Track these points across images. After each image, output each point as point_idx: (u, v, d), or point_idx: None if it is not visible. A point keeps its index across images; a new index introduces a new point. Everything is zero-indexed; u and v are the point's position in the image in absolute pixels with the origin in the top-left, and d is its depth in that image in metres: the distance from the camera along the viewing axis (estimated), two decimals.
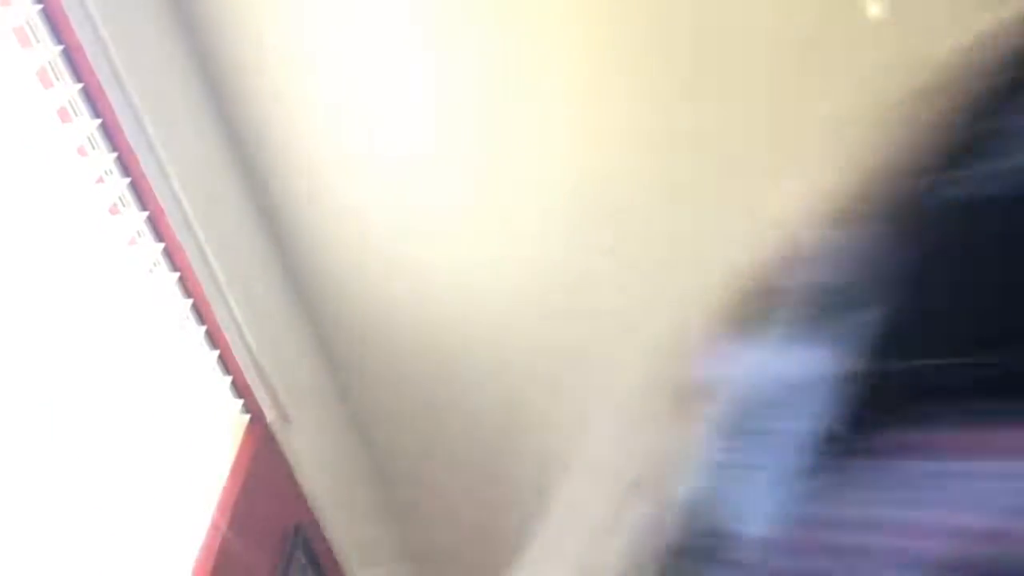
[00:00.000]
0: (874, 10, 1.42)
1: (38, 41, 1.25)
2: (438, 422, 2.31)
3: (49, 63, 1.26)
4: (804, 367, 0.36)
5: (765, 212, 1.81)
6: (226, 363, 1.62)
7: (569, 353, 2.14)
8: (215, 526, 1.43)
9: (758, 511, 0.35)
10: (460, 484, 2.50)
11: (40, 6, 1.23)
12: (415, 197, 1.83)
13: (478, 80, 1.66)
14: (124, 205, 1.41)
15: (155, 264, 1.48)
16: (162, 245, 1.47)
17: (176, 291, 1.51)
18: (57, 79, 1.28)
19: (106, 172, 1.37)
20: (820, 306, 0.38)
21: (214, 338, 1.59)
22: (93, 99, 1.32)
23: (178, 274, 1.50)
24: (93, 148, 1.35)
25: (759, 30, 1.60)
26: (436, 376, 2.19)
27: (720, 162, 1.78)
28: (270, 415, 1.69)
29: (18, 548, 1.03)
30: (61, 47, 1.27)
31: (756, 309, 0.43)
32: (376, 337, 2.09)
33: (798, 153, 1.77)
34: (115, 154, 1.37)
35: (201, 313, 1.56)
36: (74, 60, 1.29)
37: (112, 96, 1.32)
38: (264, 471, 1.65)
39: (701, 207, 1.85)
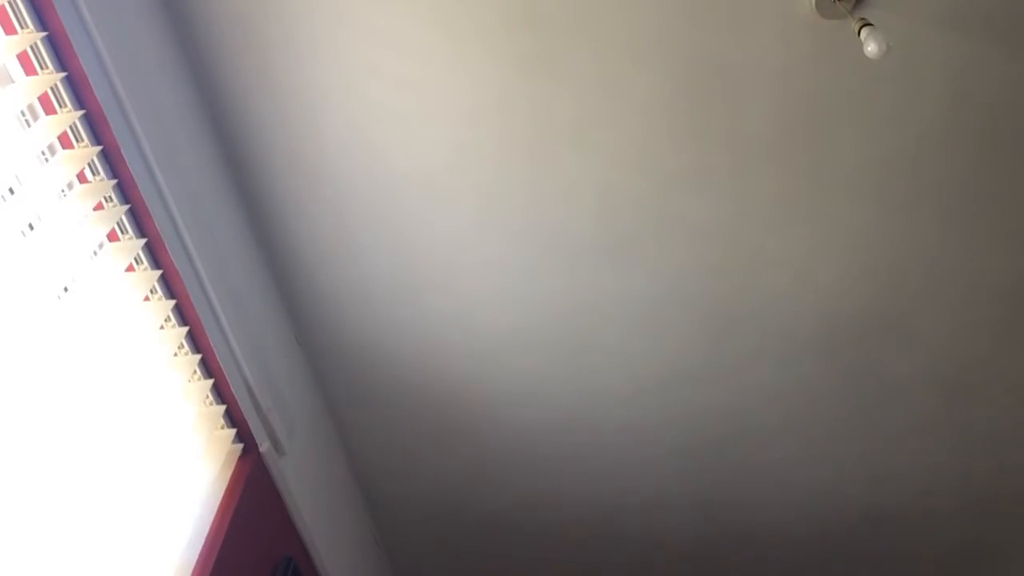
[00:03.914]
0: (871, 48, 1.44)
1: (43, 67, 1.25)
2: (433, 456, 2.29)
3: (51, 88, 1.26)
4: None
5: (771, 249, 1.82)
6: (220, 392, 1.61)
7: (570, 386, 2.14)
8: (205, 555, 1.41)
9: None
10: (453, 518, 2.48)
11: (45, 32, 1.24)
12: (415, 229, 1.83)
13: (485, 111, 1.67)
14: (123, 232, 1.40)
15: (152, 291, 1.47)
16: (160, 272, 1.46)
17: (173, 318, 1.50)
18: (60, 106, 1.28)
19: (106, 198, 1.36)
20: None
21: (209, 366, 1.58)
22: (95, 125, 1.32)
23: (175, 301, 1.49)
24: (94, 174, 1.34)
25: (765, 71, 1.62)
26: (431, 410, 2.18)
27: (725, 198, 1.79)
28: (263, 445, 1.68)
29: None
30: (64, 73, 1.27)
31: None
32: (372, 370, 2.08)
33: (806, 194, 1.79)
34: (115, 180, 1.36)
35: (197, 341, 1.55)
36: (77, 85, 1.29)
37: (113, 122, 1.32)
38: (256, 501, 1.63)
39: (705, 243, 1.86)
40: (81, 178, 1.34)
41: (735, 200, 1.79)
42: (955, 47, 1.60)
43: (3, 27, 1.20)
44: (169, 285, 1.48)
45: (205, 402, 1.60)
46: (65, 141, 1.31)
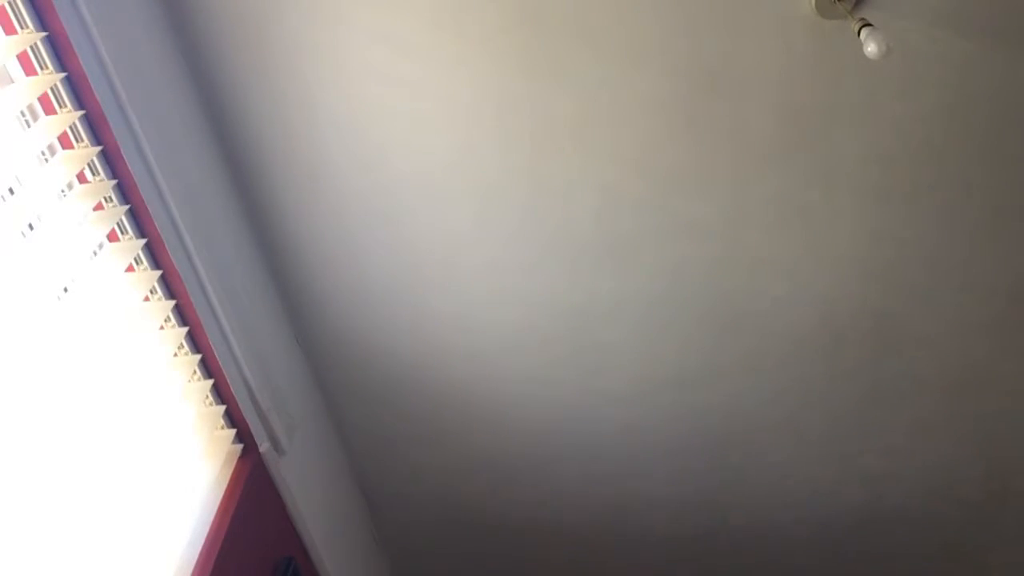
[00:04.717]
0: (871, 49, 1.44)
1: (43, 68, 1.25)
2: (433, 457, 2.29)
3: (51, 88, 1.26)
4: None
5: (771, 249, 1.81)
6: (220, 392, 1.61)
7: (570, 387, 2.14)
8: (205, 555, 1.41)
9: None
10: (453, 518, 2.48)
11: (45, 32, 1.24)
12: (415, 229, 1.83)
13: (484, 111, 1.67)
14: (123, 232, 1.40)
15: (152, 291, 1.47)
16: (160, 272, 1.46)
17: (173, 318, 1.50)
18: (60, 106, 1.28)
19: (106, 199, 1.36)
20: None
21: (209, 366, 1.58)
22: (95, 125, 1.32)
23: (175, 301, 1.49)
24: (94, 174, 1.34)
25: (765, 71, 1.62)
26: (431, 411, 2.18)
27: (725, 198, 1.79)
28: (263, 445, 1.68)
29: None
30: (64, 73, 1.27)
31: None
32: (372, 370, 2.08)
33: (805, 194, 1.79)
34: (115, 181, 1.36)
35: (197, 341, 1.55)
36: (77, 85, 1.29)
37: (113, 122, 1.32)
38: (256, 502, 1.63)
39: (704, 242, 1.86)
40: (81, 178, 1.34)
41: (735, 200, 1.79)
42: (955, 47, 1.60)
43: (3, 27, 1.20)
44: (169, 285, 1.48)
45: (205, 402, 1.60)
46: (65, 141, 1.31)
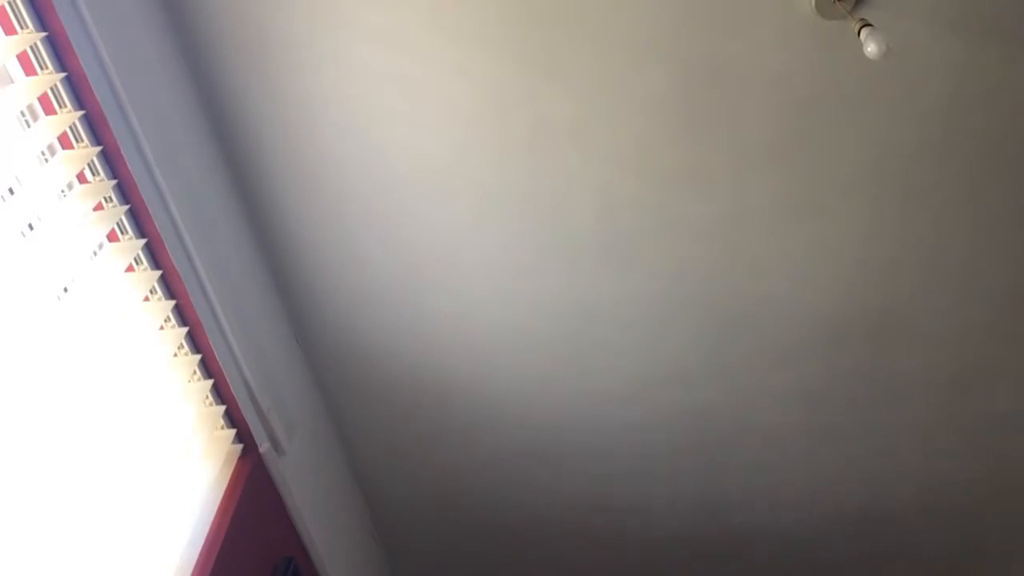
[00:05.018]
0: (871, 49, 1.44)
1: (43, 68, 1.25)
2: (433, 456, 2.29)
3: (51, 88, 1.26)
4: None
5: (770, 249, 1.82)
6: (220, 392, 1.61)
7: (570, 387, 2.14)
8: (205, 555, 1.41)
9: None
10: (453, 518, 2.48)
11: (45, 32, 1.24)
12: (415, 229, 1.83)
13: (484, 111, 1.67)
14: (123, 232, 1.40)
15: (152, 291, 1.47)
16: (160, 272, 1.46)
17: (173, 319, 1.50)
18: (60, 106, 1.28)
19: (105, 199, 1.36)
20: None
21: (209, 367, 1.58)
22: (95, 125, 1.32)
23: (175, 301, 1.49)
24: (94, 175, 1.34)
25: (765, 71, 1.62)
26: (431, 411, 2.18)
27: (724, 198, 1.79)
28: (263, 445, 1.68)
29: None
30: (64, 73, 1.27)
31: None
32: (372, 370, 2.08)
33: (805, 194, 1.79)
34: (115, 181, 1.36)
35: (197, 341, 1.55)
36: (77, 85, 1.29)
37: (113, 122, 1.32)
38: (256, 502, 1.63)
39: (704, 242, 1.86)
40: (81, 178, 1.34)
41: (734, 200, 1.79)
42: (955, 47, 1.60)
43: (3, 27, 1.20)
44: (169, 285, 1.48)
45: (205, 402, 1.60)
46: (65, 141, 1.31)
